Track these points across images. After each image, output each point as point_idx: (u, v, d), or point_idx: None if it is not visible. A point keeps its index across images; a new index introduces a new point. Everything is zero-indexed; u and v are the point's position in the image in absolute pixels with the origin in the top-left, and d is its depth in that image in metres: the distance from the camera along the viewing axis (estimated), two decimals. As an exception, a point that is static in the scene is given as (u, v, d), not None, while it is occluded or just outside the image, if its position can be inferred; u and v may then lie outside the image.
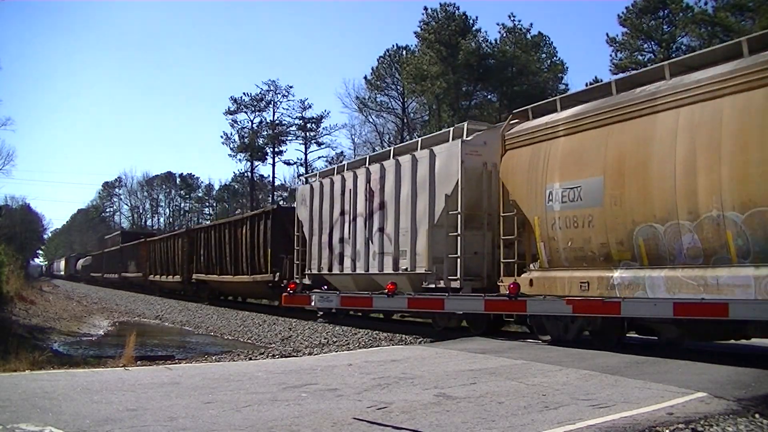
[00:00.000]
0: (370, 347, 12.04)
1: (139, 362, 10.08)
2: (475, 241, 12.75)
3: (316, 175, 19.75)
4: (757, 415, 5.64)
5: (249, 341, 16.11)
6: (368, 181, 15.50)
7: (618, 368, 8.10)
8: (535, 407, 5.93)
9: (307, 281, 17.77)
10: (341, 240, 16.38)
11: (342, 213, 16.46)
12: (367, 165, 15.99)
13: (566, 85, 44.79)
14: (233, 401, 6.32)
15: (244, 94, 64.73)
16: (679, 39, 35.43)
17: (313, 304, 13.71)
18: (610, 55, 37.93)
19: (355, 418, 5.57)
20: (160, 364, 10.06)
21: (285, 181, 72.10)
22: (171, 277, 32.89)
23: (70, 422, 5.34)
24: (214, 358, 11.37)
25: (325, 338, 13.99)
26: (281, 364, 9.72)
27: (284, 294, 14.61)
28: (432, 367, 8.57)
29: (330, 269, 16.82)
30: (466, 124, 13.58)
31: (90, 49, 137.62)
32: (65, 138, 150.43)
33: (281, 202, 56.95)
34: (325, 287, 15.93)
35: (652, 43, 36.74)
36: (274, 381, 7.60)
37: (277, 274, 19.79)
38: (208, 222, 61.15)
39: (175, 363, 10.57)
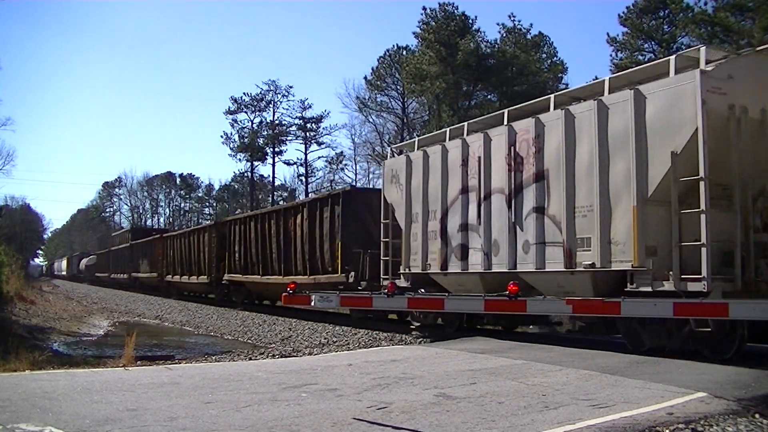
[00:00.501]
0: (370, 347, 12.06)
1: (139, 362, 10.10)
2: (721, 222, 8.80)
3: (413, 143, 15.08)
4: (757, 415, 5.64)
5: (249, 341, 16.11)
6: (511, 144, 11.49)
7: (618, 368, 8.10)
8: (535, 407, 5.93)
9: (403, 282, 13.91)
10: (463, 227, 12.47)
11: (464, 190, 12.55)
12: (506, 122, 11.95)
13: (566, 85, 44.84)
14: (233, 401, 6.32)
15: (244, 94, 65.02)
16: (680, 39, 35.44)
17: (312, 304, 13.24)
18: (611, 55, 37.99)
19: (355, 418, 5.57)
20: (160, 364, 10.08)
21: (285, 181, 72.36)
22: (195, 277, 28.84)
23: (70, 422, 5.35)
24: (214, 358, 11.40)
25: (325, 338, 14.01)
26: (281, 364, 9.73)
27: (284, 294, 13.73)
28: (432, 367, 8.58)
29: (443, 266, 12.89)
30: (703, 49, 9.32)
31: (90, 49, 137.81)
32: (65, 138, 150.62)
33: (281, 202, 57.00)
34: (422, 291, 12.92)
35: (653, 42, 36.76)
36: (274, 381, 7.61)
37: (352, 274, 15.80)
38: (207, 221, 60.62)
39: (175, 363, 10.58)
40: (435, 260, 13.14)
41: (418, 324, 14.20)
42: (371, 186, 47.51)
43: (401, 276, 14.12)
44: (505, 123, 11.96)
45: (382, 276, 14.64)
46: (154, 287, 37.25)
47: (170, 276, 33.20)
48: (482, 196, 12.06)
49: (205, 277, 27.38)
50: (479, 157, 12.17)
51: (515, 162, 11.45)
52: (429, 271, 13.34)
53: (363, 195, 17.66)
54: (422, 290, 12.92)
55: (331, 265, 17.21)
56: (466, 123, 13.40)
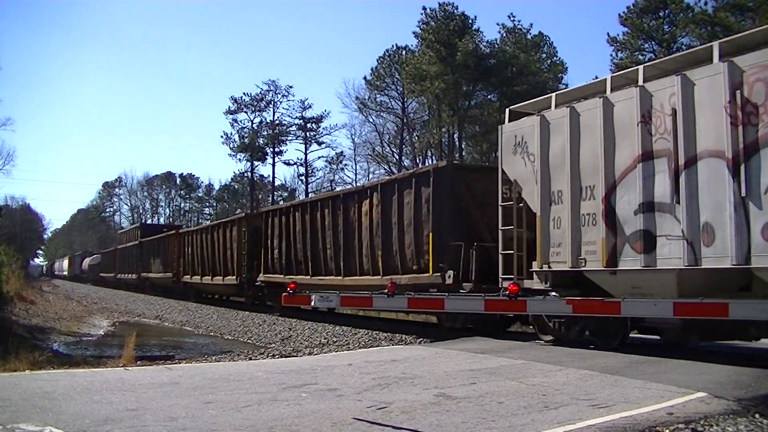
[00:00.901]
0: (370, 347, 12.06)
1: (139, 362, 10.11)
2: None
3: (548, 99, 11.51)
4: (757, 415, 5.65)
5: (249, 341, 16.12)
6: (735, 87, 8.31)
7: (618, 368, 8.11)
8: (535, 407, 5.94)
9: (537, 284, 10.89)
10: (646, 207, 9.25)
11: (646, 157, 9.33)
12: (718, 58, 8.74)
13: (566, 85, 44.85)
14: (233, 401, 6.32)
15: (244, 94, 64.91)
16: (680, 39, 35.48)
17: (312, 303, 12.70)
18: (611, 55, 38.06)
19: (355, 418, 5.57)
20: (160, 364, 10.08)
21: (285, 181, 72.41)
22: (220, 278, 25.71)
23: (70, 422, 5.35)
24: (214, 358, 11.39)
25: (325, 338, 14.00)
26: (281, 364, 9.73)
27: (284, 294, 12.73)
28: (432, 367, 8.58)
29: (610, 261, 9.68)
30: None
31: (90, 49, 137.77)
32: (65, 138, 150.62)
33: (281, 202, 57.01)
34: (552, 294, 10.17)
35: (653, 42, 36.79)
36: (274, 381, 7.61)
37: (450, 273, 12.67)
38: (207, 220, 60.46)
39: (175, 363, 10.59)
40: (594, 253, 9.96)
41: (550, 338, 11.12)
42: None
43: (534, 275, 10.99)
44: (717, 59, 8.70)
45: (500, 276, 11.46)
46: (167, 289, 34.21)
47: (188, 276, 29.87)
48: (681, 162, 8.84)
49: (233, 277, 24.04)
50: (673, 110, 8.99)
51: (744, 112, 8.30)
52: (583, 268, 10.15)
53: (462, 172, 14.08)
54: (552, 294, 10.26)
55: (417, 262, 13.95)
56: (641, 66, 10.01)
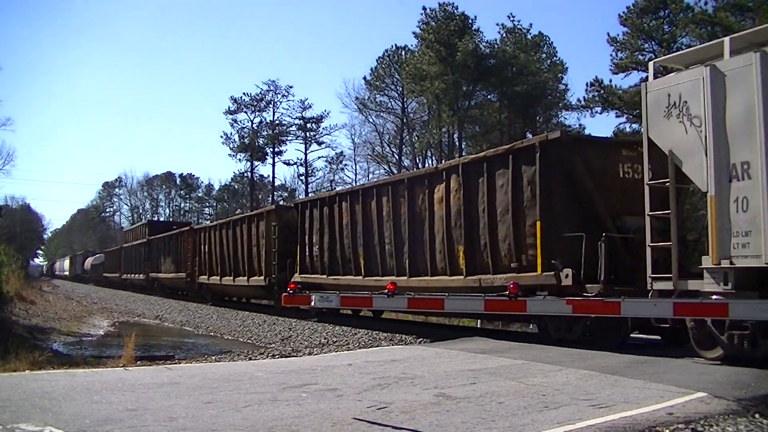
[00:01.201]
0: (370, 347, 12.05)
1: (139, 362, 10.12)
2: None
3: (719, 44, 8.78)
4: (757, 415, 5.65)
5: (249, 341, 16.13)
6: None
7: (618, 368, 8.11)
8: (535, 407, 5.94)
9: (710, 284, 8.15)
10: None
11: None
12: None
13: (566, 85, 44.86)
14: (233, 401, 6.32)
15: (244, 94, 64.85)
16: (680, 39, 35.46)
17: (312, 304, 12.19)
18: (611, 55, 37.90)
19: (355, 418, 5.57)
20: (160, 364, 10.09)
21: (285, 181, 72.37)
22: (244, 278, 22.88)
23: (70, 422, 5.35)
24: (214, 358, 11.39)
25: (325, 338, 14.00)
26: (281, 364, 9.73)
27: (284, 294, 11.69)
28: (432, 367, 8.58)
29: None
30: None
31: (90, 48, 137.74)
32: (65, 138, 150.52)
33: (281, 202, 56.97)
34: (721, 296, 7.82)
35: (653, 42, 36.77)
36: (274, 381, 7.61)
37: (568, 272, 10.31)
38: (207, 221, 59.72)
39: (175, 363, 10.60)
40: None
41: (719, 354, 8.43)
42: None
43: (705, 273, 8.27)
44: None
45: (650, 275, 8.91)
46: (180, 290, 31.98)
47: (205, 277, 27.25)
48: None
49: (261, 278, 21.26)
50: None
51: None
52: None
53: (579, 145, 11.27)
54: (714, 297, 7.82)
55: (516, 258, 11.54)
56: None
